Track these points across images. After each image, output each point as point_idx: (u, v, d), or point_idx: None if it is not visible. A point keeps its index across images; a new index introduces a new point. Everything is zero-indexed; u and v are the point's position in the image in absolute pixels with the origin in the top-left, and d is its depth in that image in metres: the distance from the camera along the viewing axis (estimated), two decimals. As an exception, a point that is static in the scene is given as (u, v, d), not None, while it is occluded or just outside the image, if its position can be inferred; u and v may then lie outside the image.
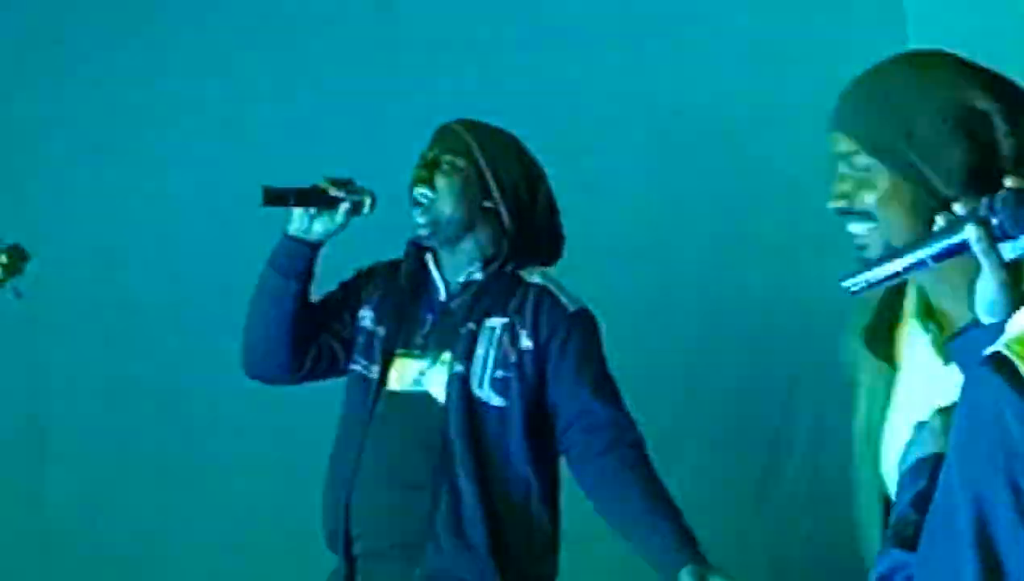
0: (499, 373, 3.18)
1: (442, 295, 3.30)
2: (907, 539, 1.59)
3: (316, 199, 3.20)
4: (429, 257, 3.33)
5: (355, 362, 3.30)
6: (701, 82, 4.63)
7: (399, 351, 3.26)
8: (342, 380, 3.39)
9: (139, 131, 4.42)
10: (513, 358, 3.18)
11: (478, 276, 3.27)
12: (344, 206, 3.21)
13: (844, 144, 1.99)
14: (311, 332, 3.30)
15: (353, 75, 4.53)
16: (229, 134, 4.44)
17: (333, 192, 3.21)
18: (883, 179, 1.96)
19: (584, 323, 3.23)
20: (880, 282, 1.86)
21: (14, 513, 4.41)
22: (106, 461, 4.40)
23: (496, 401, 3.19)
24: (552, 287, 3.26)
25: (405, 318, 3.28)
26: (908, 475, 1.75)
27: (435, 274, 3.31)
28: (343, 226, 3.22)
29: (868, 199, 1.97)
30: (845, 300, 2.01)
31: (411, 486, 3.18)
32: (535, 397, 3.19)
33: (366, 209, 3.24)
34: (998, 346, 1.44)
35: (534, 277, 3.28)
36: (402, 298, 3.30)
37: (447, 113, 3.40)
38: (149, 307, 4.41)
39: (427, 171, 3.25)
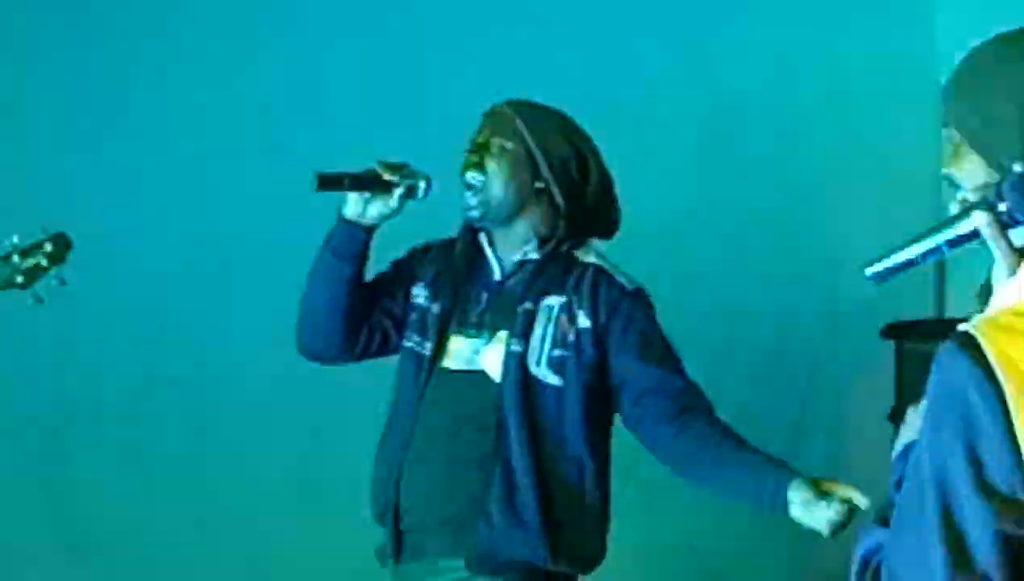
0: (556, 352, 3.20)
1: (496, 274, 3.32)
2: (889, 520, 1.60)
3: (370, 183, 3.22)
4: (483, 237, 3.35)
5: (407, 339, 3.32)
6: (727, 73, 4.64)
7: (453, 329, 3.28)
8: (368, 364, 3.42)
9: (169, 113, 4.40)
10: (571, 337, 3.20)
11: (534, 255, 3.28)
12: (398, 190, 3.22)
13: (944, 117, 2.01)
14: (365, 312, 3.32)
15: (386, 56, 4.53)
16: (255, 112, 4.44)
17: (387, 176, 3.22)
18: (967, 155, 1.97)
19: (643, 301, 3.27)
20: (898, 269, 1.86)
21: (35, 498, 4.37)
22: (129, 447, 4.39)
23: (552, 380, 3.20)
24: (608, 267, 3.29)
25: (460, 296, 3.30)
26: (897, 459, 1.77)
27: (489, 254, 3.33)
28: (397, 210, 3.24)
29: (957, 173, 1.99)
30: (865, 288, 2.02)
31: (463, 462, 3.20)
32: (591, 376, 3.21)
33: (420, 193, 3.26)
34: (967, 325, 1.47)
35: (589, 257, 3.30)
36: (457, 277, 3.32)
37: (485, 94, 3.40)
38: (173, 290, 4.39)
39: (477, 154, 3.26)
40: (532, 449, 3.17)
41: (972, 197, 1.82)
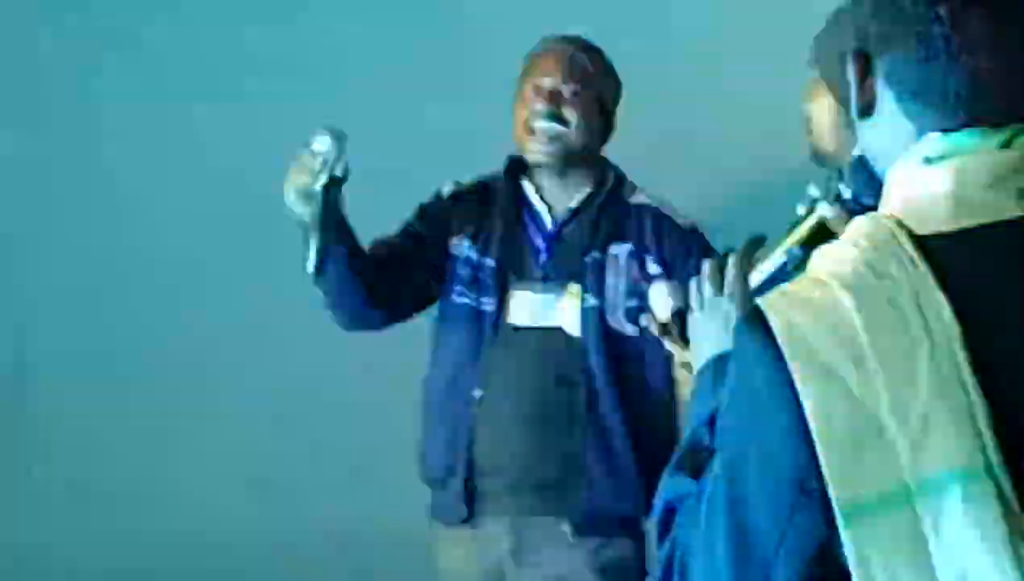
0: (632, 302, 3.14)
1: (548, 224, 3.22)
2: (699, 469, 1.49)
3: (312, 225, 2.92)
4: (526, 183, 3.25)
5: (458, 294, 3.19)
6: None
7: (514, 282, 3.17)
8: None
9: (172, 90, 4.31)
10: (644, 285, 3.11)
11: (595, 199, 3.21)
12: (318, 187, 2.89)
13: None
14: (392, 273, 3.16)
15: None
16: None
17: (300, 208, 2.90)
18: (821, 91, 1.89)
19: (702, 237, 3.23)
20: (771, 280, 1.82)
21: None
22: (91, 396, 4.26)
23: (631, 330, 3.15)
24: (663, 208, 3.23)
25: (514, 248, 3.20)
26: (705, 371, 1.70)
27: (536, 201, 3.23)
28: (332, 193, 2.91)
29: (814, 108, 1.89)
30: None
31: (550, 422, 3.12)
32: None
33: (338, 172, 2.90)
34: (760, 299, 1.39)
35: (639, 197, 3.25)
36: (507, 227, 3.21)
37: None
38: (139, 242, 4.28)
39: (555, 104, 3.16)
40: (623, 404, 3.14)
41: (815, 192, 1.77)
